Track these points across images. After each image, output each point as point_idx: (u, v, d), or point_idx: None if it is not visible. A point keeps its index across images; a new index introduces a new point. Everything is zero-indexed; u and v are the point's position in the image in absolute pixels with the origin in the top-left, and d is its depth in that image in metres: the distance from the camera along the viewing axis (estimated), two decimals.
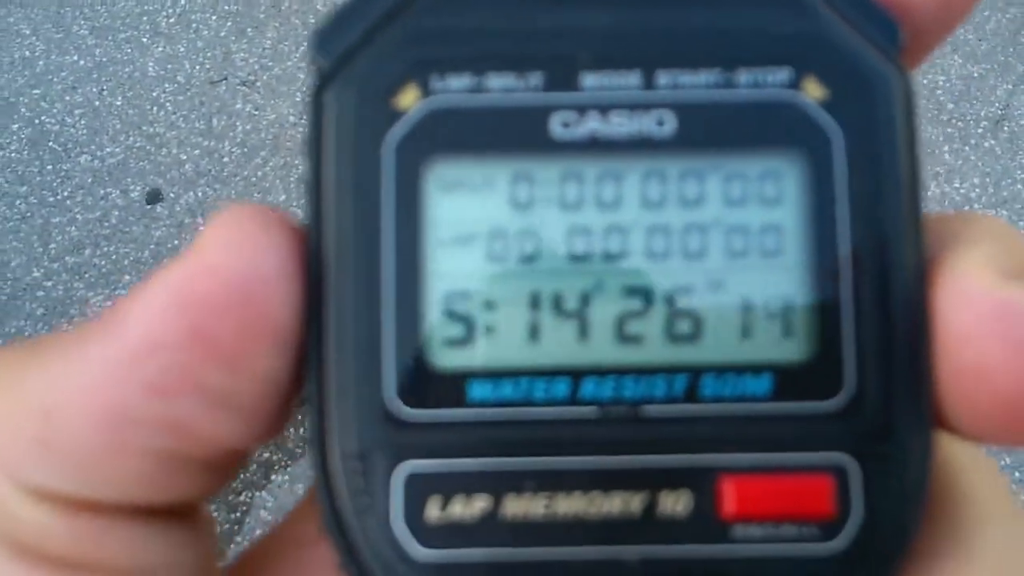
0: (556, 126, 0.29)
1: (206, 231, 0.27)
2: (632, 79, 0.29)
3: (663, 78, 0.29)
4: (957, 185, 2.18)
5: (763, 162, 0.29)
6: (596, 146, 0.29)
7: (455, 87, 0.29)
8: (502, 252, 0.29)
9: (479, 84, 0.29)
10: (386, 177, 0.29)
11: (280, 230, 0.28)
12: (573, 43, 0.29)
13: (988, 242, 0.28)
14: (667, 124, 0.29)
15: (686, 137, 0.29)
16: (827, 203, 0.29)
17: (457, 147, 0.29)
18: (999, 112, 2.29)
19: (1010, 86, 2.34)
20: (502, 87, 0.29)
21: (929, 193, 2.17)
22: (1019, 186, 2.18)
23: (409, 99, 0.29)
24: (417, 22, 0.30)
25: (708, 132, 0.29)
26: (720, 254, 0.29)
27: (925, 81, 2.33)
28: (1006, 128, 2.27)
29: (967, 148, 2.24)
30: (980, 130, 2.27)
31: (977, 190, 2.18)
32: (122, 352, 0.26)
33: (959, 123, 2.27)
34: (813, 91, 0.29)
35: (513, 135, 0.29)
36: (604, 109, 0.29)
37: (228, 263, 0.27)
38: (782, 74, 0.29)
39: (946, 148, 2.23)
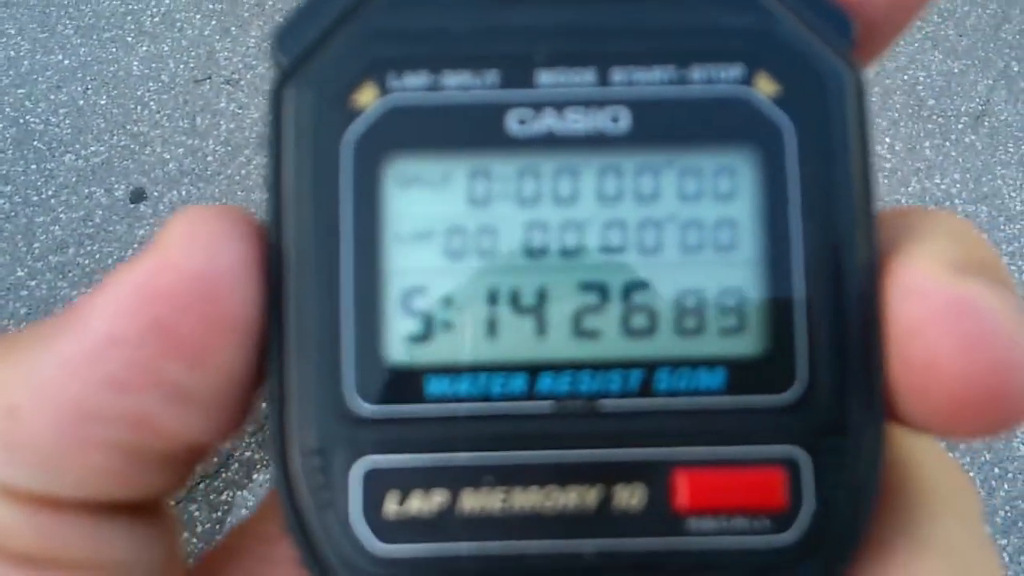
0: (512, 123, 0.29)
1: (168, 229, 0.27)
2: (587, 76, 0.30)
3: (618, 75, 0.30)
4: (938, 181, 2.19)
5: (716, 158, 0.29)
6: (552, 142, 0.29)
7: (412, 85, 0.29)
8: (460, 248, 0.29)
9: (436, 82, 0.29)
10: (344, 174, 0.29)
11: (241, 227, 0.28)
12: (528, 41, 0.30)
13: (941, 236, 0.28)
14: (622, 120, 0.29)
15: (641, 133, 0.29)
16: (780, 198, 0.29)
17: (415, 144, 0.29)
18: (980, 108, 2.30)
19: (990, 81, 2.34)
20: (458, 85, 0.29)
21: (909, 189, 2.17)
22: (999, 182, 2.19)
23: (367, 97, 0.29)
24: (374, 22, 0.30)
25: (662, 128, 0.29)
26: (675, 249, 0.29)
27: (905, 77, 2.34)
28: (986, 123, 2.27)
29: (947, 144, 2.24)
30: (960, 126, 2.27)
31: (958, 186, 2.18)
32: (84, 347, 0.27)
33: (939, 119, 2.28)
34: (765, 87, 0.29)
35: (470, 132, 0.29)
36: (560, 106, 0.29)
37: (190, 260, 0.27)
38: (735, 70, 0.29)
39: (927, 144, 2.24)
